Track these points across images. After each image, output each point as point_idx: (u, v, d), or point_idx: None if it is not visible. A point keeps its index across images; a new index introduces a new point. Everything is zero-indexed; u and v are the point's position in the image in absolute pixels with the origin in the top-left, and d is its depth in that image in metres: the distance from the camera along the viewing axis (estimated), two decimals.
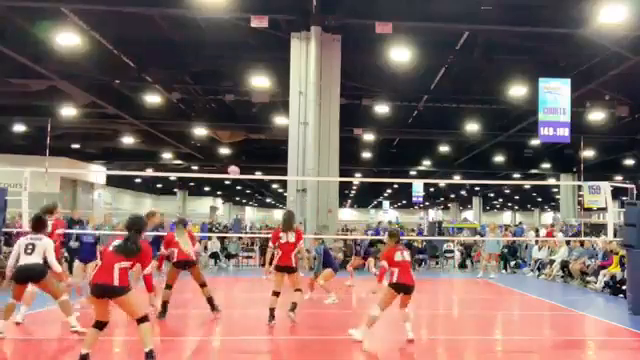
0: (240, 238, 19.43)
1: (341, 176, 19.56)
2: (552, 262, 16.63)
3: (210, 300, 8.91)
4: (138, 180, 50.36)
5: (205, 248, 18.15)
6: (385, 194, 62.03)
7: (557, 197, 48.31)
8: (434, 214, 60.24)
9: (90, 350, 5.68)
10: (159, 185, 56.36)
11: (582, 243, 16.16)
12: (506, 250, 19.38)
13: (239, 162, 35.25)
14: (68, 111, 22.88)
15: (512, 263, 19.54)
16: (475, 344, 7.34)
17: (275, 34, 16.38)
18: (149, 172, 37.49)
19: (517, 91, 19.31)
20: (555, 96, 15.41)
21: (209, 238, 18.69)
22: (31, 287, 7.43)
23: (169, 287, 8.86)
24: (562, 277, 15.82)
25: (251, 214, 73.89)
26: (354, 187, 53.92)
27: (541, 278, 16.76)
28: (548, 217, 66.28)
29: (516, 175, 39.59)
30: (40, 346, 7.34)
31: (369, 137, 27.40)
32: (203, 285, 8.89)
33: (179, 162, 36.64)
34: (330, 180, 16.25)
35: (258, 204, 78.54)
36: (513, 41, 17.04)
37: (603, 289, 13.19)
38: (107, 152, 34.25)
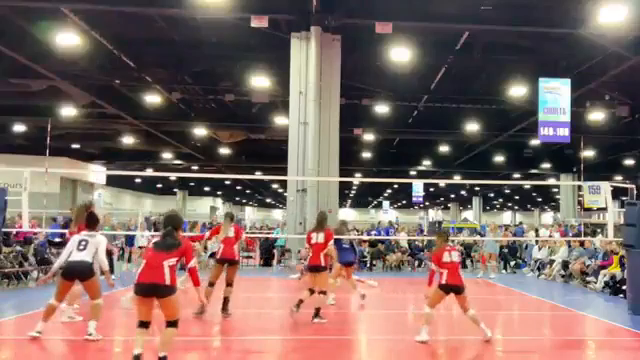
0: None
1: (341, 176, 19.56)
2: (552, 262, 16.64)
3: (226, 301, 8.96)
4: (138, 180, 50.36)
5: (205, 248, 18.13)
6: (385, 194, 62.03)
7: (557, 197, 48.32)
8: (434, 214, 60.25)
9: (142, 350, 5.55)
10: (159, 185, 56.36)
11: (582, 243, 16.16)
12: (506, 250, 19.40)
13: (239, 162, 35.42)
14: (68, 111, 22.86)
15: (512, 263, 19.55)
16: (475, 344, 7.34)
17: (275, 34, 16.36)
18: (149, 172, 37.51)
19: (517, 91, 19.29)
20: (555, 96, 15.42)
21: (209, 238, 18.63)
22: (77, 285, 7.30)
23: (211, 285, 8.88)
24: (562, 277, 15.83)
25: (251, 214, 73.88)
26: (354, 187, 53.92)
27: (541, 278, 16.77)
28: (548, 217, 66.35)
29: (516, 175, 39.57)
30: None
31: (369, 137, 27.38)
32: (229, 284, 8.96)
33: (179, 162, 36.65)
34: (330, 180, 16.23)
35: (258, 204, 78.53)
36: (513, 41, 17.04)
37: (603, 289, 13.19)
38: (107, 152, 34.24)
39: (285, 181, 21.74)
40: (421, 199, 44.82)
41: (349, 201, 69.63)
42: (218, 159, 34.29)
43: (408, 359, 7.07)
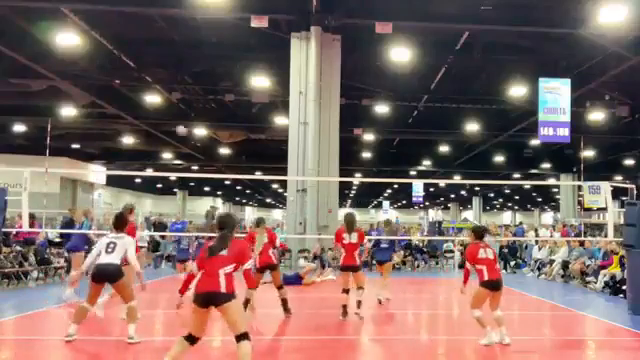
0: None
1: (341, 176, 19.57)
2: (552, 262, 16.64)
3: (284, 302, 9.13)
4: (138, 180, 50.34)
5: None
6: (385, 194, 62.02)
7: (557, 197, 48.31)
8: (434, 214, 60.24)
9: None
10: (159, 185, 56.35)
11: (582, 243, 16.16)
12: (506, 250, 19.39)
13: (239, 162, 35.42)
14: (68, 111, 22.87)
15: (512, 263, 19.55)
16: (475, 344, 7.33)
17: (275, 34, 16.37)
18: (149, 172, 37.50)
19: (517, 91, 19.30)
20: (555, 96, 15.42)
21: (209, 238, 18.64)
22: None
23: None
24: (562, 277, 15.83)
25: (251, 214, 73.86)
26: (354, 187, 53.90)
27: (541, 278, 16.76)
28: (548, 217, 66.33)
29: (516, 175, 39.58)
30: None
31: (369, 137, 27.39)
32: (280, 287, 9.15)
33: (179, 162, 36.64)
34: (330, 180, 16.25)
35: (258, 204, 78.52)
36: (513, 41, 17.05)
37: (603, 289, 13.18)
38: (107, 152, 34.25)
39: (285, 181, 21.77)
40: (421, 199, 44.81)
41: (349, 201, 69.60)
42: (218, 159, 34.29)
43: (408, 359, 7.06)
